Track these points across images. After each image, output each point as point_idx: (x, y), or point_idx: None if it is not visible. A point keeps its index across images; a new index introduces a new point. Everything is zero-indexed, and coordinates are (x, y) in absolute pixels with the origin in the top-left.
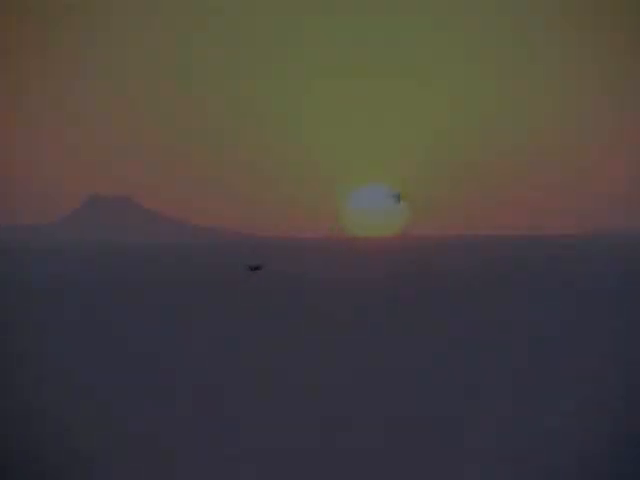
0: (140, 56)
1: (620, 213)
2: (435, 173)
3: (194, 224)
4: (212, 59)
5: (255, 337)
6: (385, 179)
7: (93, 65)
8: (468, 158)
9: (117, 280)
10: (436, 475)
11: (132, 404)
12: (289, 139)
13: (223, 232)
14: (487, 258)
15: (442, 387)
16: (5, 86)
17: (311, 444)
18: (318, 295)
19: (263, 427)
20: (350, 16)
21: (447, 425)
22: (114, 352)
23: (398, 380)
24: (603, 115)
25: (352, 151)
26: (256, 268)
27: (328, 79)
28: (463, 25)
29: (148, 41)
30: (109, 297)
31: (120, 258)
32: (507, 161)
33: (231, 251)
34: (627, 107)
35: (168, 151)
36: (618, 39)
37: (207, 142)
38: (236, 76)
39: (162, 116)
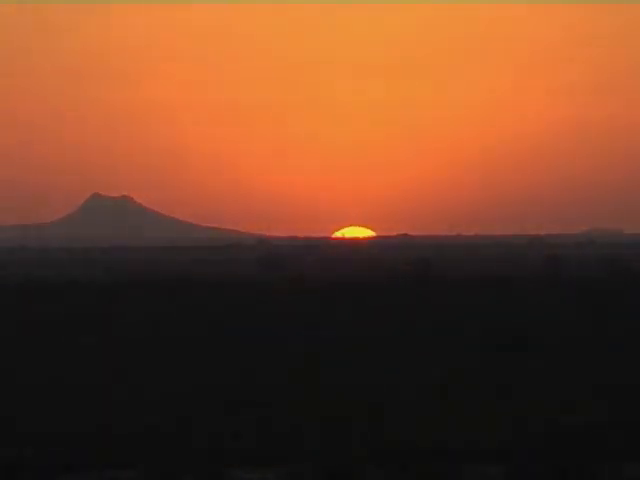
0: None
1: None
2: (434, 173)
3: (195, 224)
4: (216, 61)
5: (256, 336)
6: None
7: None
8: (467, 158)
9: (117, 280)
10: None
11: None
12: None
13: (224, 232)
14: (486, 258)
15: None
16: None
17: None
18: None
19: None
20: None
21: None
22: (113, 351)
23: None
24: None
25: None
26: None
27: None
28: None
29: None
30: (109, 297)
31: (121, 258)
32: (507, 161)
33: (231, 251)
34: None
35: (169, 151)
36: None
37: (208, 141)
38: (240, 77)
39: (162, 116)
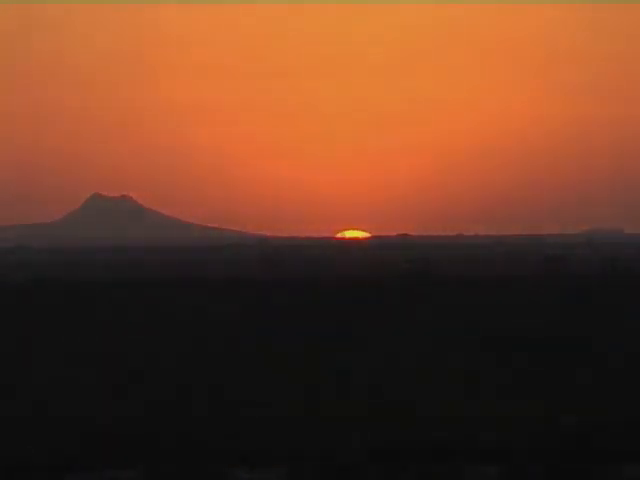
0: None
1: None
2: (434, 172)
3: (195, 224)
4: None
5: (258, 335)
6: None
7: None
8: (467, 158)
9: (117, 280)
10: None
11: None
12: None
13: (224, 232)
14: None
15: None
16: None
17: None
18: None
19: None
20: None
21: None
22: (112, 350)
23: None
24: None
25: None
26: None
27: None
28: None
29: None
30: (109, 297)
31: (120, 258)
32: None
33: (231, 251)
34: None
35: (169, 150)
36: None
37: (208, 141)
38: (241, 78)
39: (163, 116)
